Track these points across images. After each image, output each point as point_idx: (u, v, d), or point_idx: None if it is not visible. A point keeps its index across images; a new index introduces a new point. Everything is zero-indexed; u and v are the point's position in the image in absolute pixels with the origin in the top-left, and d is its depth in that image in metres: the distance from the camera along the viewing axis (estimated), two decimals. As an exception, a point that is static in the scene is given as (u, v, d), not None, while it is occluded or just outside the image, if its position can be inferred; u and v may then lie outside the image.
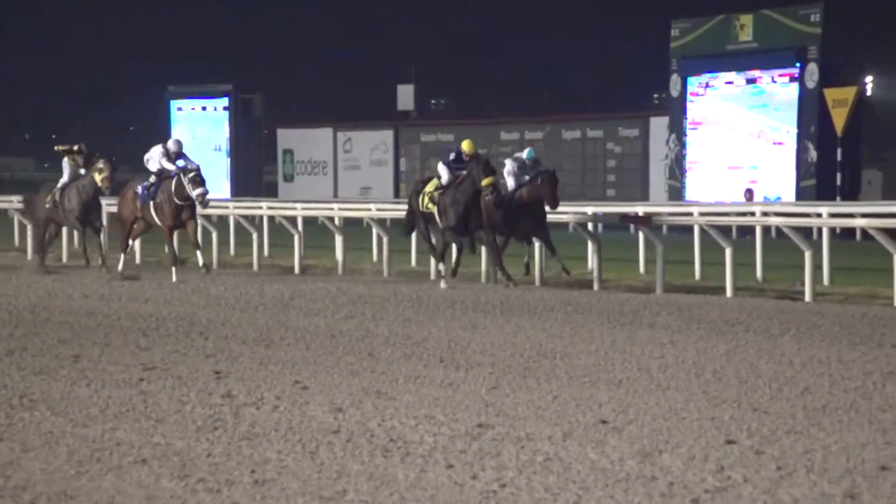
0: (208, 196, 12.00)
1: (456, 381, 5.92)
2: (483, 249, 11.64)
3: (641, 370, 6.15)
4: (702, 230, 12.08)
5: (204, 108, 32.87)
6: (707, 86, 25.63)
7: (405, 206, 16.98)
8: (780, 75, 24.03)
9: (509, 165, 11.82)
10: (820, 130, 23.13)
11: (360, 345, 7.25)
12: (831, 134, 22.52)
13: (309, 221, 15.65)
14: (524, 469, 4.13)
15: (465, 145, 11.51)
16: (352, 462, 4.28)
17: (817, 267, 10.67)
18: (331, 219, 14.52)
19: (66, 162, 13.17)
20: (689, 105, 25.96)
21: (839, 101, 22.24)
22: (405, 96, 32.10)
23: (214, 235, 14.45)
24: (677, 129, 26.35)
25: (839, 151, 22.46)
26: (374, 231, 14.23)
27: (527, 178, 11.68)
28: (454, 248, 11.75)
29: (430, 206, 11.42)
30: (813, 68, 23.11)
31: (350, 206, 18.35)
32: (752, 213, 16.52)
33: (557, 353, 6.79)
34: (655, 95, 32.87)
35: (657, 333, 7.63)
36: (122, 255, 12.42)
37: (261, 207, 16.31)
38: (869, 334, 7.35)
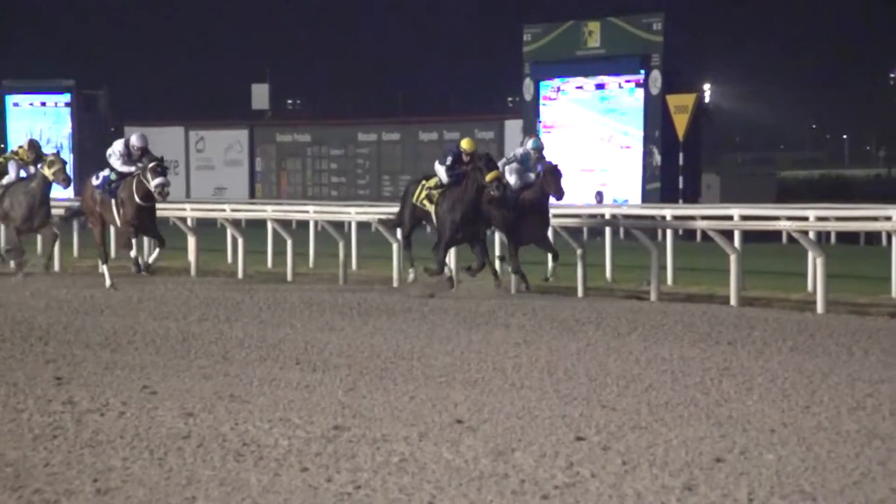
0: (169, 188, 10.82)
1: (312, 384, 5.85)
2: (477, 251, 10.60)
3: (496, 370, 6.23)
4: (555, 232, 12.36)
5: (44, 104, 31.45)
6: (559, 90, 26.29)
7: (260, 207, 16.61)
8: (626, 81, 24.90)
9: (511, 164, 10.81)
10: (663, 135, 24.10)
11: (214, 348, 7.07)
12: (674, 139, 23.49)
13: (159, 222, 15.15)
14: (379, 470, 4.11)
15: (466, 143, 10.67)
16: (202, 468, 4.15)
17: (662, 267, 11.09)
18: (183, 219, 14.12)
19: (11, 163, 12.11)
20: (542, 109, 26.56)
21: (680, 108, 23.22)
22: (260, 95, 31.60)
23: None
24: (531, 133, 26.85)
25: (681, 156, 23.45)
26: (229, 232, 13.92)
27: (532, 175, 10.75)
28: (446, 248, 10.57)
29: (427, 203, 10.55)
30: (656, 75, 24.05)
31: (203, 206, 17.88)
32: (602, 215, 17.03)
33: (414, 353, 6.80)
34: (510, 99, 33.47)
35: (512, 333, 7.75)
36: (133, 254, 11.02)
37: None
38: (707, 332, 7.68)
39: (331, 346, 7.15)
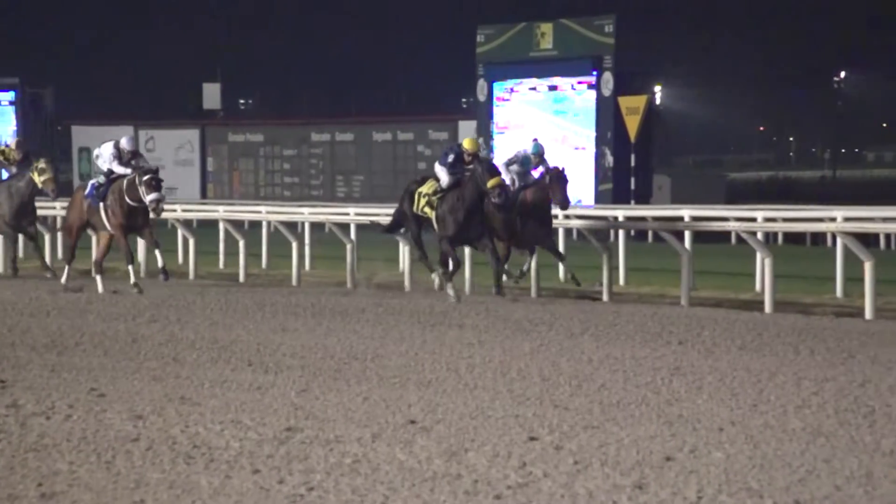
0: (163, 204, 10.59)
1: (264, 385, 5.81)
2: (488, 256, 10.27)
3: (450, 370, 6.25)
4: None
5: (-13, 102, 30.86)
6: (512, 91, 26.41)
7: (212, 207, 16.45)
8: (578, 83, 25.10)
9: (511, 166, 10.52)
10: (615, 137, 24.33)
11: (164, 349, 6.99)
12: (626, 140, 23.72)
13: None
14: (332, 471, 4.10)
15: (468, 143, 10.37)
16: (151, 471, 4.11)
17: (614, 268, 11.20)
18: (133, 220, 13.92)
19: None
20: (495, 110, 26.65)
21: (632, 109, 23.46)
22: (211, 95, 31.31)
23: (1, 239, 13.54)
24: (485, 133, 26.98)
25: (633, 157, 23.69)
26: (180, 232, 13.77)
27: (534, 175, 10.50)
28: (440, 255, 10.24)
29: (427, 210, 10.22)
30: (608, 77, 24.28)
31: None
32: (555, 216, 17.11)
33: (368, 354, 6.79)
34: (464, 100, 33.56)
35: (466, 334, 7.77)
36: (67, 267, 10.96)
37: (54, 208, 15.41)
38: (658, 332, 7.76)
39: (284, 347, 7.11)
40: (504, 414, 5.06)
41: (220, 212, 14.80)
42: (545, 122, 25.79)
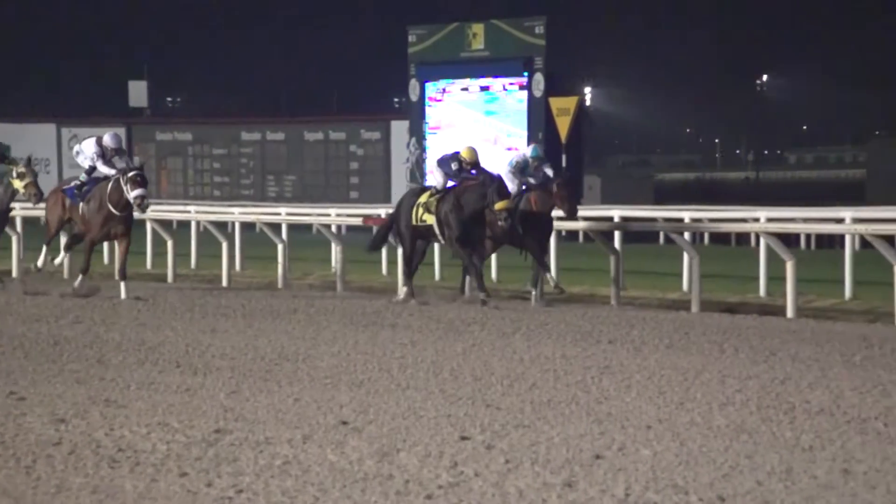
0: (148, 200, 10.11)
1: (193, 387, 5.73)
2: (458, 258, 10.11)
3: (382, 370, 6.24)
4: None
5: None
6: (444, 91, 26.48)
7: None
8: (510, 83, 25.28)
9: (507, 168, 10.08)
10: (546, 137, 24.55)
11: (88, 351, 6.85)
12: (556, 141, 23.96)
13: (30, 222, 14.55)
14: (262, 473, 4.06)
15: (466, 153, 10.12)
16: (74, 475, 4.02)
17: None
18: (57, 219, 13.60)
19: None
20: (428, 110, 26.69)
21: (562, 110, 23.72)
22: (138, 93, 30.75)
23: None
24: (417, 133, 27.03)
25: (563, 158, 23.95)
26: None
27: (531, 180, 10.01)
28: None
29: (427, 216, 9.92)
30: (539, 78, 24.51)
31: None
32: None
33: (300, 355, 6.74)
34: (396, 99, 33.55)
35: (398, 334, 7.76)
36: (44, 248, 10.42)
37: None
38: (589, 331, 7.86)
39: (213, 348, 7.02)
40: (436, 414, 5.07)
41: (146, 211, 14.53)
42: (477, 122, 25.91)
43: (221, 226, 13.14)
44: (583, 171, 26.44)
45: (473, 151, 10.24)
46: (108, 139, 10.31)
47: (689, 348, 7.07)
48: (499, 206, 9.70)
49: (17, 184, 10.84)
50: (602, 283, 10.90)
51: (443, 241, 10.10)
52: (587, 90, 26.03)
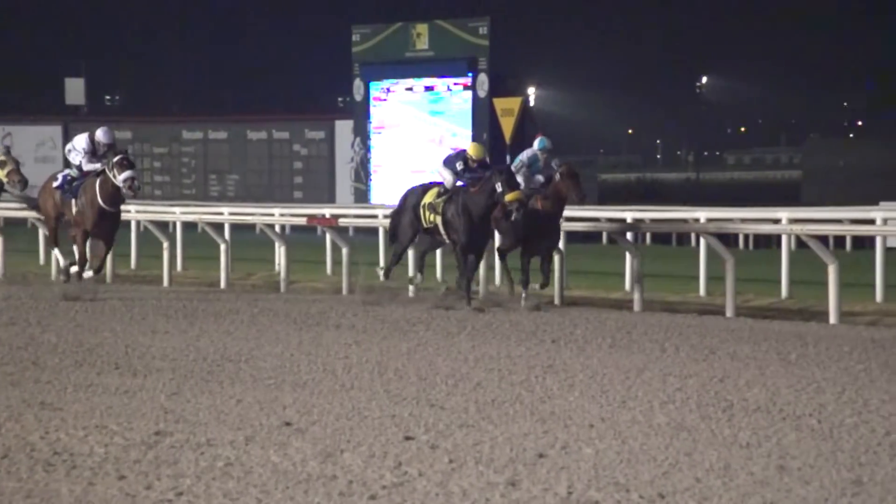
0: (138, 182, 9.77)
1: (133, 389, 5.64)
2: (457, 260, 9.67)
3: (327, 371, 6.20)
4: (387, 232, 12.40)
5: None
6: (389, 91, 26.45)
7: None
8: (454, 84, 25.35)
9: (520, 169, 9.64)
10: (491, 138, 24.67)
11: (23, 353, 6.70)
12: (501, 141, 24.08)
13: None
14: (203, 476, 4.01)
15: (473, 150, 9.64)
16: (7, 480, 3.93)
17: (489, 268, 11.34)
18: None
19: None
20: (372, 110, 26.63)
21: (507, 111, 23.86)
22: (74, 90, 30.21)
23: None
24: (362, 133, 26.96)
25: (508, 158, 24.06)
26: (41, 232, 13.22)
27: (540, 178, 9.61)
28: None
29: (433, 217, 9.51)
30: (483, 78, 24.61)
31: (12, 205, 16.90)
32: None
33: (242, 356, 6.68)
34: (340, 99, 33.40)
35: (343, 334, 7.73)
36: (61, 260, 10.11)
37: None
38: (533, 331, 7.91)
39: (153, 349, 6.92)
40: (380, 414, 5.06)
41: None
42: (422, 122, 25.92)
43: (162, 226, 12.96)
44: (527, 172, 26.53)
45: (481, 148, 9.78)
46: (100, 134, 10.04)
47: (631, 347, 7.15)
48: (509, 197, 9.17)
49: (0, 173, 10.52)
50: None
51: (447, 242, 9.66)
52: (531, 91, 26.20)
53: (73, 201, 9.94)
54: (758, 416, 4.98)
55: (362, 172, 26.87)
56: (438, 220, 9.52)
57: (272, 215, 14.46)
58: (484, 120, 24.57)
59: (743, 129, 66.14)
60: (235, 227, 13.10)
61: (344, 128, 27.63)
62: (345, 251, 11.38)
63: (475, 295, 9.74)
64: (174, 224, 13.53)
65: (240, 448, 4.40)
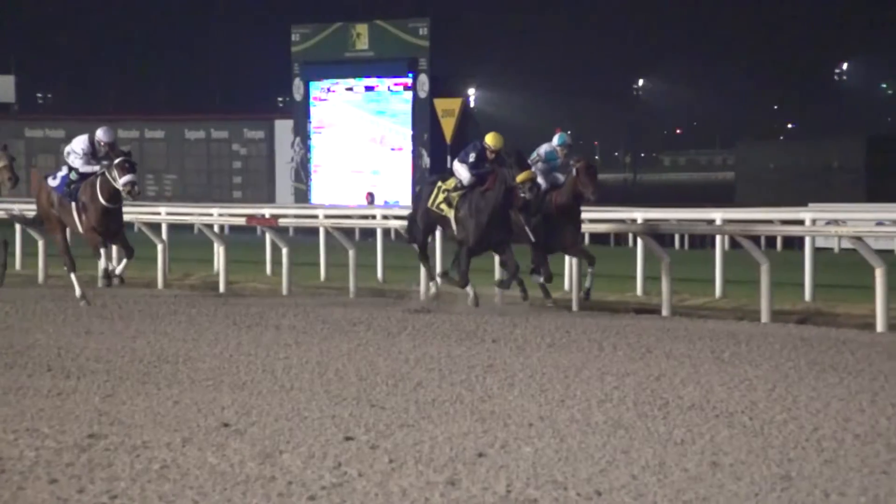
0: (138, 187, 9.56)
1: (65, 391, 5.53)
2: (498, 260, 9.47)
3: (266, 371, 6.16)
4: (327, 232, 12.36)
5: None
6: (329, 91, 26.33)
7: (6, 206, 15.42)
8: (395, 84, 25.35)
9: (536, 164, 9.39)
10: (432, 138, 24.72)
11: (-48, 357, 6.54)
12: (441, 142, 24.15)
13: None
14: (138, 478, 3.95)
15: (491, 139, 9.20)
16: (-65, 487, 3.83)
17: (431, 267, 11.33)
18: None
19: None
20: (312, 109, 26.50)
21: (447, 111, 23.93)
22: (5, 88, 29.54)
23: None
24: (302, 133, 26.79)
25: (449, 159, 24.13)
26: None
27: (560, 177, 9.40)
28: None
29: (444, 207, 9.22)
30: (424, 79, 24.66)
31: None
32: (374, 217, 17.21)
33: (180, 357, 6.60)
34: (280, 99, 33.15)
35: (283, 335, 7.68)
36: (72, 274, 9.82)
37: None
38: (473, 331, 7.94)
39: (87, 351, 6.79)
40: (320, 415, 5.04)
41: (15, 210, 13.94)
42: (362, 122, 25.86)
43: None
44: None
45: (499, 137, 9.28)
46: (101, 133, 9.79)
47: (569, 347, 7.22)
48: (521, 177, 8.91)
49: None
50: (486, 283, 11.02)
51: (455, 234, 9.38)
52: (472, 92, 26.31)
53: (73, 204, 9.72)
54: (692, 414, 5.06)
55: (302, 172, 26.71)
56: (451, 213, 9.25)
57: (211, 215, 14.30)
58: (425, 120, 24.62)
59: (678, 130, 67.21)
60: (173, 227, 12.91)
61: (284, 127, 27.45)
62: (285, 251, 11.30)
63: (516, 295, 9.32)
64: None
65: (176, 450, 4.35)
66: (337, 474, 4.01)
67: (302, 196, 26.26)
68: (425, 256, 9.70)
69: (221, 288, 11.38)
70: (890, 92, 59.34)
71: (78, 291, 9.76)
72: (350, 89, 26.03)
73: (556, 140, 9.66)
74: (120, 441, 4.49)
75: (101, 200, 9.60)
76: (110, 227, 9.73)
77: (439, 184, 9.39)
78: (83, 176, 9.76)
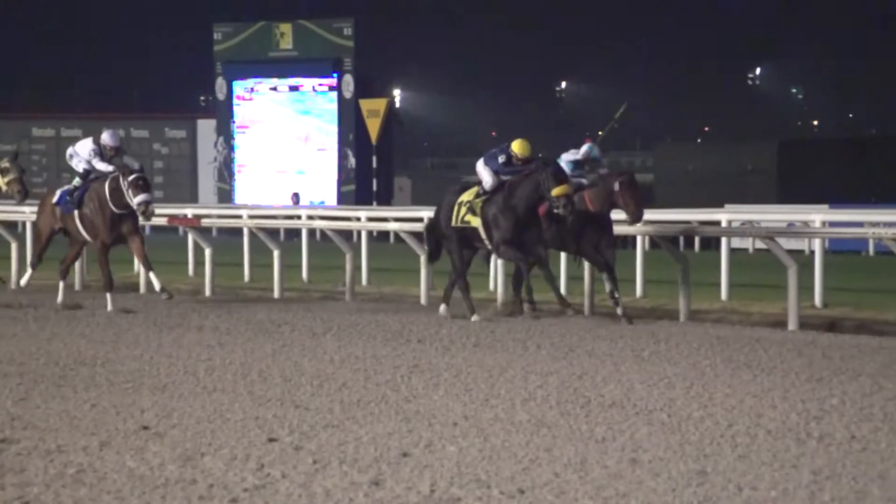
0: (153, 206, 9.28)
1: (-23, 396, 5.37)
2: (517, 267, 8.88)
3: (188, 373, 6.07)
4: (251, 233, 12.23)
5: None
6: (253, 90, 26.06)
7: None
8: (320, 84, 25.22)
9: (564, 159, 9.03)
10: (357, 138, 24.66)
11: None
12: (367, 142, 24.11)
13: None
14: (52, 483, 3.86)
15: (518, 146, 8.72)
16: None
17: (357, 268, 11.32)
18: None
19: None
20: (235, 109, 26.20)
21: (373, 112, 23.88)
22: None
23: None
24: (225, 132, 26.46)
25: (374, 159, 24.11)
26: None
27: (584, 181, 8.88)
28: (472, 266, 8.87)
29: (470, 217, 8.63)
30: (349, 79, 24.58)
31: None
32: (299, 217, 17.09)
33: (98, 359, 6.46)
34: (202, 97, 32.68)
35: (205, 336, 7.57)
36: (30, 271, 9.50)
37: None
38: (399, 331, 7.95)
39: None
40: (243, 416, 4.98)
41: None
42: (287, 122, 25.65)
43: (11, 226, 12.37)
44: (393, 173, 26.69)
45: (527, 145, 8.82)
46: (106, 137, 9.55)
47: (494, 346, 7.27)
48: (556, 191, 8.36)
49: (1, 180, 9.94)
50: (412, 283, 11.03)
51: (489, 247, 8.77)
52: (397, 93, 26.34)
53: (77, 213, 9.40)
54: (613, 412, 5.15)
55: (226, 172, 26.37)
56: (477, 221, 8.68)
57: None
58: (350, 120, 24.54)
59: (600, 132, 68.26)
60: (91, 227, 12.59)
61: (206, 127, 27.09)
62: (208, 252, 11.14)
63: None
64: (23, 224, 12.94)
65: (93, 454, 4.25)
66: (260, 476, 3.97)
67: (225, 196, 25.94)
68: (462, 272, 8.94)
69: (142, 289, 11.17)
70: (801, 97, 61.18)
71: (24, 281, 9.93)
72: (274, 89, 25.81)
73: (587, 151, 9.21)
74: (33, 445, 4.38)
75: (112, 207, 9.29)
76: (122, 230, 9.36)
77: (459, 200, 8.86)
78: (87, 181, 9.46)
